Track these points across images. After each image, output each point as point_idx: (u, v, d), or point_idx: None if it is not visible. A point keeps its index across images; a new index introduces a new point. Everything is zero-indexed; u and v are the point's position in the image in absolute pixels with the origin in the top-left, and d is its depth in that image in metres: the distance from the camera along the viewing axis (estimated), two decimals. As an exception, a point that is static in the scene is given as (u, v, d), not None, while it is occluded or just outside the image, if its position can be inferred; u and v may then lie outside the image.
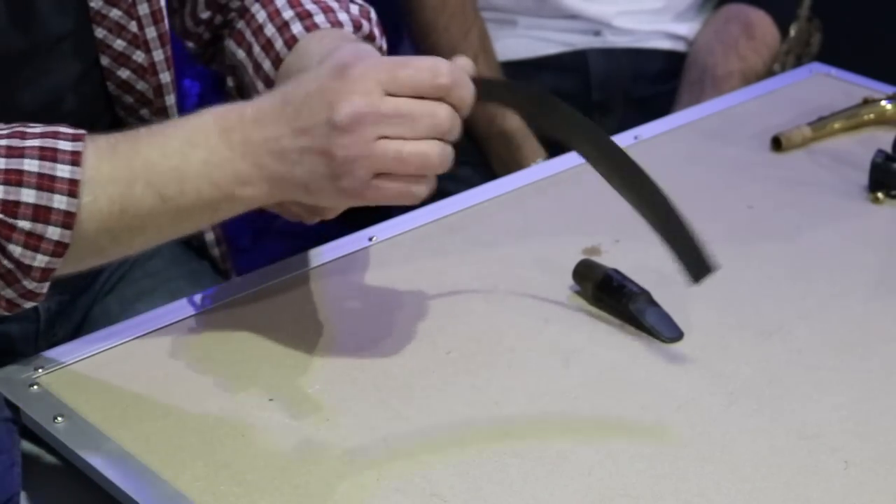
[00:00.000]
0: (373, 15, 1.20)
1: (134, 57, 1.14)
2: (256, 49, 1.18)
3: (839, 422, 0.97)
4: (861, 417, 0.97)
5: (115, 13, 1.11)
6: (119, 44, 1.13)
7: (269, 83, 1.16)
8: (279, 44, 1.16)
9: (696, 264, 0.98)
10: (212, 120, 0.95)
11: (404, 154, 0.91)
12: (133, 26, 1.13)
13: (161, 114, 1.18)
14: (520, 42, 1.80)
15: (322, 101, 0.91)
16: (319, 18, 1.17)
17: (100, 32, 1.12)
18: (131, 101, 1.17)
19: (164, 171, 0.94)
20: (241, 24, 1.21)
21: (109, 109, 1.18)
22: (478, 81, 0.94)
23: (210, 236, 1.30)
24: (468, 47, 1.73)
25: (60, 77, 1.11)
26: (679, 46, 1.83)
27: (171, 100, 1.19)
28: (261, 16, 1.19)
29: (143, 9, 1.13)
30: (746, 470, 0.92)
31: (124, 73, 1.15)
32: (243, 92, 1.23)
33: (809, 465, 0.92)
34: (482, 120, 1.74)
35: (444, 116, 0.92)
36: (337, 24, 1.17)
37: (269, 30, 1.17)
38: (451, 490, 0.89)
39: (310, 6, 1.18)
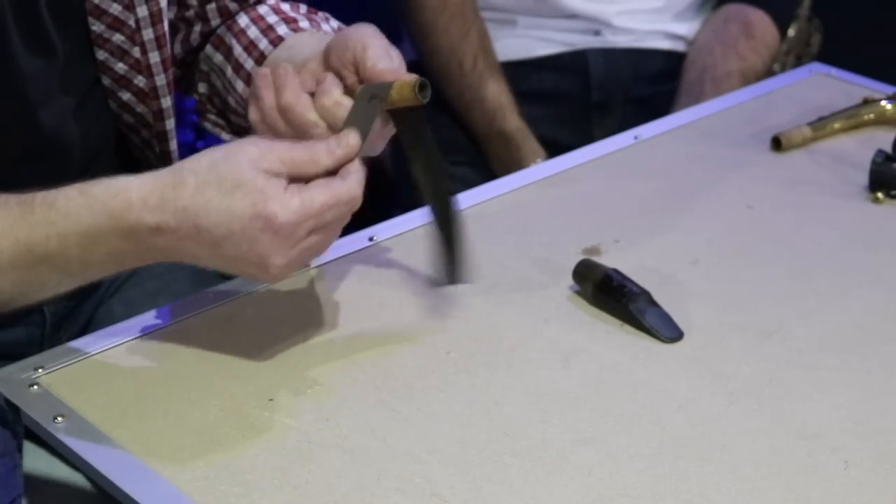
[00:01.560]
0: None
1: (135, 81, 1.14)
2: (238, 50, 1.18)
3: (839, 422, 0.97)
4: (861, 417, 0.97)
5: (117, 38, 1.11)
6: (120, 67, 1.13)
7: (250, 81, 1.17)
8: (264, 43, 1.17)
9: (454, 271, 1.07)
10: (105, 220, 0.94)
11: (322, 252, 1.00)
12: (136, 52, 1.13)
13: (160, 137, 1.19)
14: (519, 42, 1.79)
15: (252, 250, 0.94)
16: (304, 24, 1.18)
17: (101, 55, 1.12)
18: (132, 121, 1.17)
19: (67, 259, 0.95)
20: (220, 30, 1.22)
21: (115, 127, 1.18)
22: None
23: None
24: (468, 48, 1.73)
25: (66, 97, 1.11)
26: (679, 46, 1.83)
27: (170, 124, 1.19)
28: (243, 20, 1.20)
29: (147, 34, 1.13)
30: (746, 470, 0.92)
31: (125, 95, 1.15)
32: (214, 99, 1.23)
33: (809, 465, 0.93)
34: (481, 120, 1.74)
35: (348, 216, 0.98)
36: (320, 31, 1.18)
37: (253, 32, 1.18)
38: (451, 490, 0.89)
39: (293, 14, 1.19)
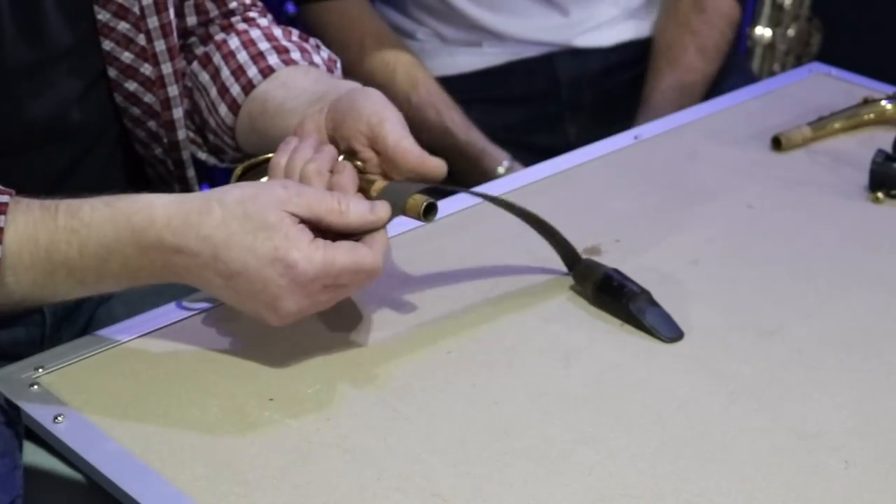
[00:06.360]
0: (339, 64, 1.22)
1: (142, 70, 1.14)
2: (225, 73, 1.18)
3: (839, 422, 0.97)
4: (861, 417, 0.97)
5: (122, 26, 1.12)
6: (126, 56, 1.13)
7: (235, 107, 1.18)
8: (252, 71, 1.17)
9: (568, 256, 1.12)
10: (127, 234, 0.94)
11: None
12: (141, 39, 1.13)
13: (168, 127, 1.19)
14: (485, 58, 1.79)
15: (265, 290, 0.94)
16: (296, 55, 1.18)
17: (107, 45, 1.12)
18: (138, 113, 1.17)
19: (83, 268, 0.96)
20: (209, 48, 1.22)
21: (117, 121, 1.18)
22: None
23: None
24: (398, 88, 1.70)
25: (67, 89, 1.11)
26: (643, 32, 1.82)
27: (178, 113, 1.19)
28: (233, 42, 1.20)
29: (152, 22, 1.13)
30: (746, 470, 0.92)
31: (131, 86, 1.15)
32: (194, 117, 1.23)
33: (809, 465, 0.93)
34: (432, 144, 1.72)
35: (367, 285, 0.99)
36: (312, 64, 1.18)
37: (242, 56, 1.18)
38: (451, 490, 0.89)
39: (286, 42, 1.20)
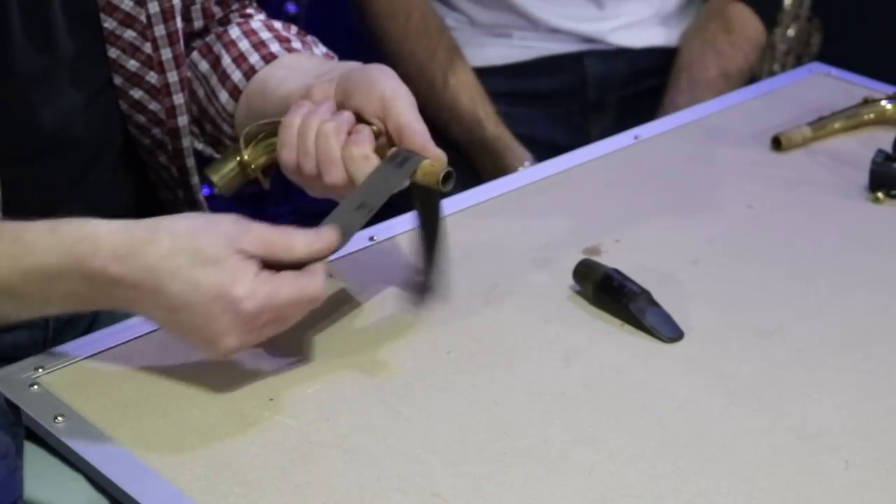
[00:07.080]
0: (335, 60, 1.22)
1: (147, 78, 1.14)
2: (226, 60, 1.18)
3: (839, 422, 0.97)
4: (861, 417, 0.98)
5: (129, 34, 1.12)
6: (132, 64, 1.13)
7: (237, 94, 1.17)
8: (255, 58, 1.17)
9: (425, 292, 1.08)
10: (70, 262, 0.93)
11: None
12: (147, 48, 1.13)
13: (173, 134, 1.19)
14: (514, 51, 1.79)
15: (207, 327, 0.92)
16: (297, 45, 1.18)
17: (113, 52, 1.12)
18: (143, 121, 1.17)
19: (27, 294, 0.95)
20: (208, 38, 1.22)
21: (123, 128, 1.18)
22: None
23: None
24: (437, 68, 1.72)
25: (74, 96, 1.11)
26: (672, 41, 1.83)
27: (183, 121, 1.19)
28: (234, 32, 1.20)
29: (158, 31, 1.13)
30: (746, 470, 0.92)
31: (137, 93, 1.15)
32: (192, 107, 1.23)
33: (809, 465, 0.93)
34: (460, 134, 1.72)
35: (307, 312, 0.97)
36: (314, 55, 1.18)
37: (244, 45, 1.18)
38: (451, 490, 0.89)
39: (286, 33, 1.20)
